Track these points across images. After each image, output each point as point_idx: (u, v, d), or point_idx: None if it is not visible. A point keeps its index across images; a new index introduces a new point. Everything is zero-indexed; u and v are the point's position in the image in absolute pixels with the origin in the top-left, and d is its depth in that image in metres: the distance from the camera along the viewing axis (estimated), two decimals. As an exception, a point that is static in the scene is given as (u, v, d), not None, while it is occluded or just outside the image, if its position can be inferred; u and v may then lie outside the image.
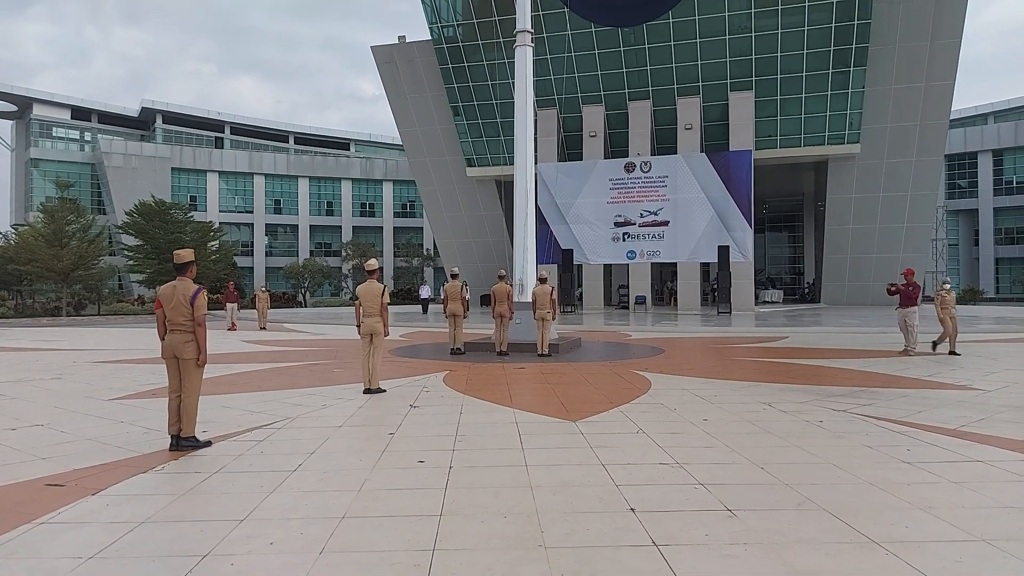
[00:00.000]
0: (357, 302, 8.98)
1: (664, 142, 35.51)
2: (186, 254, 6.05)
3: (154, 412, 7.37)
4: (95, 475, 5.11)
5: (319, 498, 4.50)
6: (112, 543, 3.73)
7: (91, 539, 3.80)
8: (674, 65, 34.74)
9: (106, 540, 3.77)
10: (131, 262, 42.68)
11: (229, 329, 23.03)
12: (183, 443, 5.86)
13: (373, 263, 9.06)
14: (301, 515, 4.15)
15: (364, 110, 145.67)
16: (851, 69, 32.96)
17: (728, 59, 34.04)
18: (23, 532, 3.92)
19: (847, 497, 4.43)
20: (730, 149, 33.22)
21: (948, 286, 14.29)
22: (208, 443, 6.00)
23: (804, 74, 33.52)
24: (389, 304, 9.05)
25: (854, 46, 32.55)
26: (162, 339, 5.99)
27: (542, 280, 13.76)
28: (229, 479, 5.00)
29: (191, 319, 5.87)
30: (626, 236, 33.69)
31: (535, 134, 19.84)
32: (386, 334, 8.93)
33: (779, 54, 33.46)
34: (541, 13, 32.21)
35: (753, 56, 33.75)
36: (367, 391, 8.81)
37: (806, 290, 44.99)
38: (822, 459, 5.41)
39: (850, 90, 33.27)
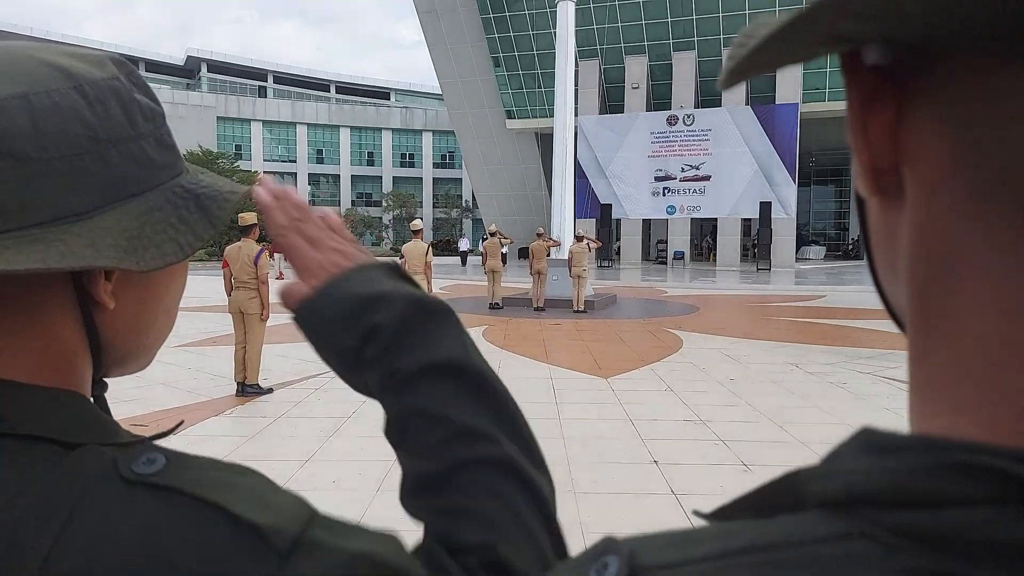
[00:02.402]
0: (402, 260, 9.45)
1: (708, 94, 34.87)
2: (249, 217, 6.54)
3: (216, 359, 8.01)
4: (172, 416, 5.72)
5: (373, 443, 5.02)
6: (197, 477, 4.30)
7: (179, 473, 4.37)
8: (720, 15, 33.86)
9: (192, 474, 4.34)
10: (180, 210, 43.93)
11: (277, 278, 23.92)
12: (248, 389, 6.45)
13: (418, 223, 9.51)
14: (358, 458, 4.68)
15: (404, 57, 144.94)
16: (907, 18, 31.74)
17: (777, 8, 33.02)
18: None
19: (857, 456, 4.78)
20: (776, 102, 32.52)
21: None
22: (270, 390, 6.59)
23: (857, 24, 32.38)
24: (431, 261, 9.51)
25: (911, -6, 31.26)
26: (228, 295, 6.55)
27: (579, 238, 14.05)
28: (292, 424, 5.57)
29: (255, 277, 6.41)
30: (666, 191, 33.48)
31: (575, 86, 19.93)
32: (429, 291, 9.39)
33: (831, 3, 32.32)
34: (585, -39, 31.59)
35: (804, 5, 32.66)
36: (411, 344, 9.34)
37: (850, 246, 44.28)
38: (839, 420, 5.74)
39: (905, 41, 32.09)
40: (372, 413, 5.83)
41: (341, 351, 0.54)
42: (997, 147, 0.22)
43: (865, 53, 0.26)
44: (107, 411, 0.52)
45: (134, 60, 66.47)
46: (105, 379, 0.54)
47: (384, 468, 4.44)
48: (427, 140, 65.75)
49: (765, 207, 30.94)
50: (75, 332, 0.48)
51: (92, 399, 0.51)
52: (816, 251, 41.38)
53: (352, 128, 64.45)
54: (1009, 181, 0.22)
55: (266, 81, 72.56)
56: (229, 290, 6.56)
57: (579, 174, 29.58)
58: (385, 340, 0.53)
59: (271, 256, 27.38)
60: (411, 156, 66.02)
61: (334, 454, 4.78)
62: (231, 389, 6.61)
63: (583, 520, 3.65)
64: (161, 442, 0.48)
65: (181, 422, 0.59)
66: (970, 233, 0.23)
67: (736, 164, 32.08)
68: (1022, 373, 0.22)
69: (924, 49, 0.24)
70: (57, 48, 0.49)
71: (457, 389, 0.53)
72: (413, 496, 0.52)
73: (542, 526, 0.50)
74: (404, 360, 0.53)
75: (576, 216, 19.06)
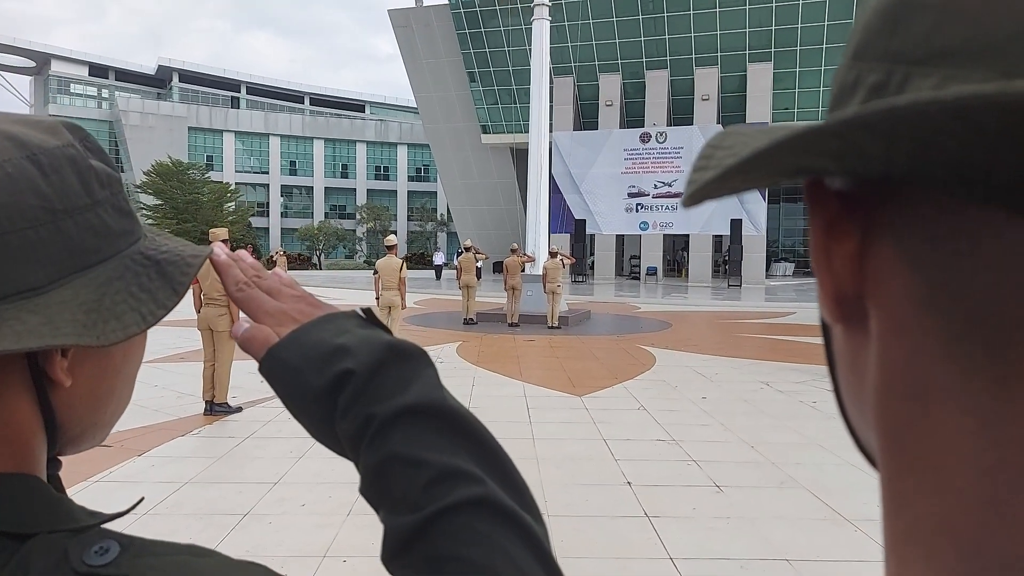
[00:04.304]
0: (376, 276, 9.39)
1: (680, 112, 35.38)
2: (220, 232, 6.46)
3: (183, 376, 7.85)
4: (138, 437, 5.58)
5: (344, 464, 4.87)
6: (162, 500, 4.19)
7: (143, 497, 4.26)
8: (692, 35, 34.41)
9: (156, 498, 4.23)
10: (149, 221, 43.33)
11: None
12: (216, 408, 6.33)
13: (392, 239, 9.45)
14: (328, 480, 4.60)
15: (379, 70, 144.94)
16: (873, 42, 32.53)
17: (747, 29, 33.68)
18: (81, 489, 4.38)
19: (827, 477, 4.82)
20: (747, 121, 33.06)
21: None
22: (239, 408, 6.47)
23: (824, 46, 33.15)
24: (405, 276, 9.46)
25: (877, 18, 32.07)
26: (198, 312, 6.43)
27: (553, 254, 14.10)
28: (260, 444, 5.46)
29: (225, 294, 6.30)
30: (639, 207, 33.77)
31: (551, 103, 20.15)
32: (403, 307, 9.34)
33: (799, 25, 33.06)
34: (560, -21, 31.92)
35: (773, 27, 33.38)
36: (384, 361, 9.26)
37: (818, 264, 45.01)
38: (810, 440, 5.80)
39: (871, 63, 32.89)
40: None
41: (312, 401, 0.52)
42: (967, 292, 0.20)
43: (828, 179, 0.25)
44: (61, 489, 0.50)
45: (105, 69, 65.55)
46: (59, 457, 0.51)
47: (354, 491, 4.35)
48: (402, 153, 65.65)
49: (736, 224, 31.38)
50: (29, 413, 0.46)
51: (47, 477, 0.49)
52: (785, 268, 42.05)
53: (326, 140, 64.11)
54: (980, 328, 0.20)
55: (239, 92, 71.92)
56: (198, 307, 6.45)
57: (553, 190, 29.72)
58: (359, 385, 0.51)
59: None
60: (385, 169, 65.84)
61: (304, 476, 4.69)
62: (199, 408, 6.48)
63: (555, 544, 3.62)
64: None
65: (141, 499, 0.57)
66: (943, 377, 0.21)
67: (708, 181, 32.48)
68: (1007, 538, 0.20)
69: (889, 184, 0.23)
70: (7, 116, 0.47)
71: (433, 431, 0.50)
72: (395, 555, 0.48)
73: (539, 569, 0.46)
74: (379, 406, 0.50)
75: (550, 231, 19.11)
